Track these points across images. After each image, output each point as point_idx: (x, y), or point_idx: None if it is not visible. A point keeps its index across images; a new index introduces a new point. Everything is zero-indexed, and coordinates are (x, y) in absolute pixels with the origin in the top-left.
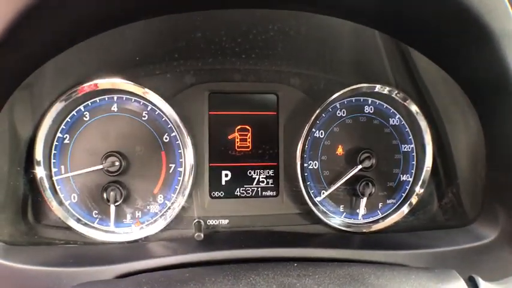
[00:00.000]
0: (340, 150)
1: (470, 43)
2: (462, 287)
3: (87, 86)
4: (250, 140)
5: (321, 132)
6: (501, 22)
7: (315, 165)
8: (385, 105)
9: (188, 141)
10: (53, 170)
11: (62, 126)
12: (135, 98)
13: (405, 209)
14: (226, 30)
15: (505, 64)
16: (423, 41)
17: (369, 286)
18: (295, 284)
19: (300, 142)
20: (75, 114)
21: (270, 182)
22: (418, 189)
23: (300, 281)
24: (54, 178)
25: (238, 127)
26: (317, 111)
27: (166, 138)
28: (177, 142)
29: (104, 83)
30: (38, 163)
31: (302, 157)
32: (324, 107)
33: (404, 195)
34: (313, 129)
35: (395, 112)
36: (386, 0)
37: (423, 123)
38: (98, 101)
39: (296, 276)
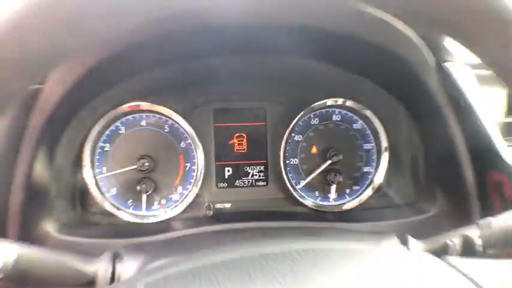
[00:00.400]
0: (314, 150)
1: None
2: (395, 242)
3: (127, 107)
4: (245, 144)
5: (299, 136)
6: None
7: (295, 161)
8: (349, 113)
9: (199, 146)
10: (97, 170)
11: (104, 137)
12: (159, 115)
13: (368, 193)
14: (228, 69)
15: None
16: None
17: (316, 235)
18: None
19: (283, 144)
20: (114, 128)
21: (261, 175)
22: (378, 178)
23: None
24: (98, 177)
25: (237, 135)
26: (295, 121)
27: (183, 145)
28: (191, 147)
29: (140, 104)
30: (85, 166)
31: (284, 155)
32: (300, 117)
33: (367, 182)
34: (293, 134)
35: (358, 118)
36: (334, 50)
37: (378, 126)
38: (131, 118)
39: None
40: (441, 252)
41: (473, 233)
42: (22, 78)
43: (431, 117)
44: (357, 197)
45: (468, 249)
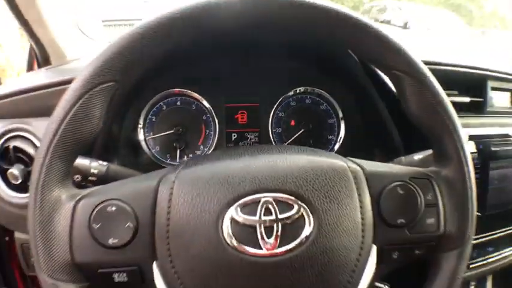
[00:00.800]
0: (293, 123)
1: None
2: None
3: (170, 92)
4: (245, 118)
5: (282, 113)
6: None
7: (280, 130)
8: (317, 98)
9: (215, 119)
10: (146, 133)
11: (152, 111)
12: (190, 98)
13: (332, 150)
14: (233, 68)
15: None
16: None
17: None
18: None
19: (270, 118)
20: (158, 106)
21: (256, 139)
22: (338, 143)
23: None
24: (147, 138)
25: (240, 111)
26: (277, 103)
27: (204, 118)
28: (210, 119)
29: (179, 90)
30: (140, 129)
31: (272, 126)
32: (281, 100)
33: (330, 146)
34: (277, 112)
35: (323, 102)
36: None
37: (336, 106)
38: (170, 99)
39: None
40: None
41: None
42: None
43: (360, 93)
44: None
45: None
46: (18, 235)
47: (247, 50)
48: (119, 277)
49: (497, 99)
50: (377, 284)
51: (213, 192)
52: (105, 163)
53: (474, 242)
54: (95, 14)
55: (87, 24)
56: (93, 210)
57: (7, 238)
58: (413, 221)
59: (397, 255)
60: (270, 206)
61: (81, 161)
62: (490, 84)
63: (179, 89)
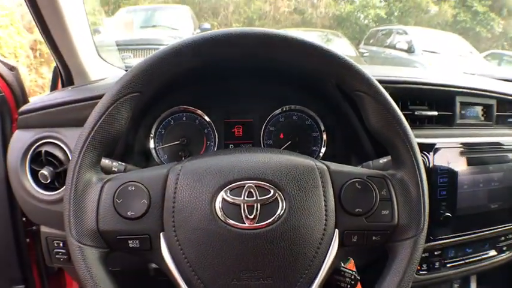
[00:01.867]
0: (281, 135)
1: None
2: (311, 161)
3: (177, 108)
4: (241, 131)
5: (272, 127)
6: None
7: (270, 142)
8: (302, 114)
9: (215, 132)
10: (156, 144)
11: (162, 124)
12: (194, 114)
13: (317, 159)
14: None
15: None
16: None
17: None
18: None
19: (261, 132)
20: (167, 120)
21: None
22: (321, 153)
23: None
24: (157, 148)
25: (236, 126)
26: (267, 119)
27: (206, 131)
28: (211, 133)
29: (185, 107)
30: (151, 139)
31: (263, 138)
32: (271, 117)
33: (314, 156)
34: (268, 126)
35: (308, 117)
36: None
37: (319, 121)
38: (177, 115)
39: None
40: None
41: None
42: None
43: (338, 111)
44: None
45: None
46: (43, 229)
47: (244, 75)
48: (132, 243)
49: (467, 112)
50: (344, 269)
51: (209, 179)
52: (123, 164)
53: (449, 241)
54: (110, 41)
55: (104, 49)
56: (118, 188)
57: (28, 240)
58: (369, 211)
59: (356, 239)
60: (252, 190)
61: (105, 161)
62: (458, 99)
63: (185, 106)
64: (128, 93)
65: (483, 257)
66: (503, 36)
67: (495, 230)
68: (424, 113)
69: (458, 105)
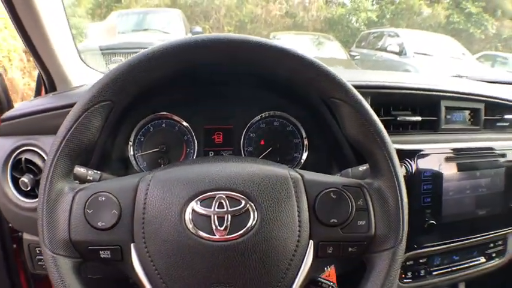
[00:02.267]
0: (262, 142)
1: None
2: (285, 170)
3: (156, 115)
4: (221, 138)
5: (253, 134)
6: None
7: (251, 149)
8: (284, 120)
9: (195, 139)
10: (136, 151)
11: (141, 132)
12: (173, 121)
13: (298, 165)
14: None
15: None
16: None
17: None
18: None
19: (242, 139)
20: (147, 128)
21: (230, 154)
22: (303, 160)
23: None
24: (136, 155)
25: (216, 132)
26: (248, 125)
27: (185, 138)
28: (190, 139)
29: (164, 114)
30: (130, 147)
31: (243, 145)
32: (251, 124)
33: (296, 163)
34: (249, 133)
35: (289, 124)
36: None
37: (300, 128)
38: (157, 122)
39: None
40: None
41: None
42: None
43: (319, 117)
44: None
45: None
46: (26, 236)
47: (224, 80)
48: (103, 254)
49: (454, 117)
50: (322, 280)
51: (179, 190)
52: (98, 172)
53: (435, 249)
54: (94, 46)
55: (88, 54)
56: (88, 198)
57: (14, 246)
58: (345, 222)
59: (331, 250)
60: (223, 201)
61: (80, 169)
62: (443, 103)
63: (164, 113)
64: (98, 102)
65: (471, 264)
66: (496, 38)
67: (483, 237)
68: (407, 118)
69: (443, 109)
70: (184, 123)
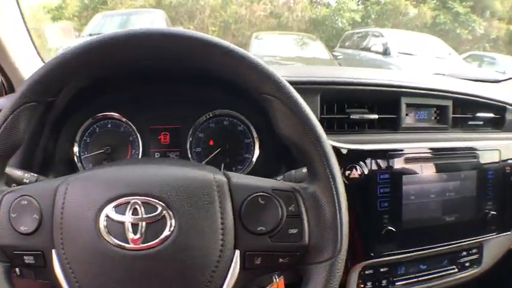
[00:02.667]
0: (211, 142)
1: None
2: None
3: (101, 115)
4: (168, 138)
5: (202, 134)
6: None
7: (199, 150)
8: (234, 119)
9: (140, 140)
10: (81, 153)
11: (86, 133)
12: (119, 121)
13: (248, 170)
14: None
15: None
16: None
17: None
18: None
19: (189, 139)
20: (92, 128)
21: (177, 157)
22: (254, 161)
23: None
24: (82, 156)
25: (163, 133)
26: (195, 124)
27: (131, 138)
28: (136, 141)
29: (110, 114)
30: (75, 148)
31: (191, 146)
32: (199, 123)
33: (247, 164)
34: (197, 133)
35: (240, 123)
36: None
37: (251, 127)
38: (102, 122)
39: None
40: None
41: (280, 178)
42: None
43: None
44: (238, 171)
45: None
46: None
47: (170, 78)
48: (28, 259)
49: (417, 115)
50: None
51: (95, 194)
52: (35, 175)
53: (397, 257)
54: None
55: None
56: (12, 202)
57: None
58: (274, 230)
59: (260, 261)
60: (138, 207)
61: (17, 172)
62: (404, 100)
63: (110, 113)
64: (22, 104)
65: (442, 274)
66: (484, 38)
67: (453, 245)
68: (360, 116)
69: (403, 107)
70: (129, 124)
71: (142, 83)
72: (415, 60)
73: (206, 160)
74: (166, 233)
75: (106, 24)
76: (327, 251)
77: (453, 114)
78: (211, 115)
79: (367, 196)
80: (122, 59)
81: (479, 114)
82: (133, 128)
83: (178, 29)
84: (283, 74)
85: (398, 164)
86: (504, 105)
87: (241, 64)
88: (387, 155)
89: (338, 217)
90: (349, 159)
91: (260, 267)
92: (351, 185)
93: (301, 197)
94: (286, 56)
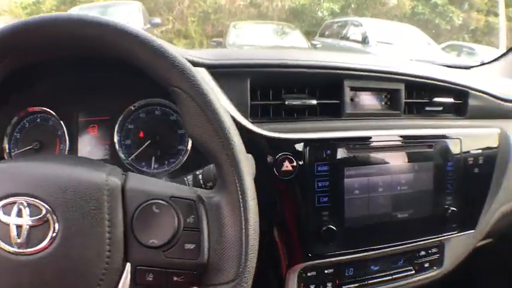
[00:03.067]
0: (141, 134)
1: None
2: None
3: (28, 110)
4: (96, 131)
5: (132, 125)
6: None
7: (129, 142)
8: (167, 109)
9: (68, 134)
10: (12, 149)
11: (16, 129)
12: (48, 115)
13: (180, 162)
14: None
15: None
16: None
17: None
18: None
19: (116, 130)
20: (22, 123)
21: (107, 151)
22: (188, 153)
23: None
24: (12, 153)
25: (91, 125)
26: (123, 114)
27: (59, 133)
28: (64, 134)
29: (42, 108)
30: (5, 146)
31: (120, 138)
32: (127, 113)
33: (181, 156)
34: (126, 124)
35: (173, 112)
36: None
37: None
38: (31, 117)
39: None
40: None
41: (199, 172)
42: None
43: None
44: (171, 165)
45: (196, 183)
46: None
47: (95, 66)
48: None
49: (364, 100)
50: None
51: None
52: None
53: (341, 258)
54: None
55: None
56: None
57: None
58: (168, 244)
59: (152, 278)
60: (23, 209)
61: None
62: (347, 84)
63: (38, 107)
64: None
65: (397, 276)
66: (463, 29)
67: (409, 245)
68: (297, 102)
69: (347, 91)
70: (57, 117)
71: (69, 74)
72: (393, 49)
73: (135, 153)
74: (49, 238)
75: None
76: (228, 272)
77: (407, 99)
78: (142, 103)
79: (304, 190)
80: (37, 46)
81: (437, 99)
82: (60, 121)
83: (92, 15)
84: (208, 57)
85: (339, 154)
86: (466, 89)
87: (148, 51)
88: (327, 144)
89: (243, 234)
90: (282, 150)
91: (152, 285)
92: (285, 178)
93: (203, 208)
94: (264, 45)
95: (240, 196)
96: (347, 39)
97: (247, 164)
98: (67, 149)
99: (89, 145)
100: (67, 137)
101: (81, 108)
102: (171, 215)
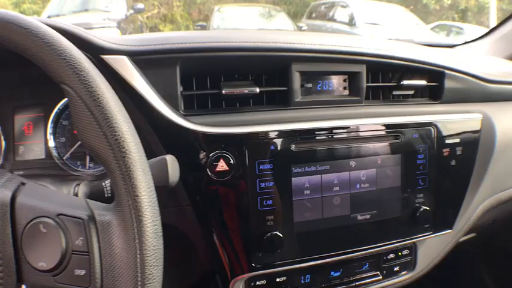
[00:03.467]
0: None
1: None
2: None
3: None
4: (31, 130)
5: (66, 122)
6: None
7: (63, 140)
8: None
9: (3, 133)
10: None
11: None
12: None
13: None
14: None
15: None
16: None
17: None
18: None
19: (53, 128)
20: None
21: (41, 150)
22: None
23: None
24: None
25: (27, 123)
26: (55, 111)
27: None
28: (1, 136)
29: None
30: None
31: (55, 136)
32: (62, 111)
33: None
34: (61, 120)
35: None
36: None
37: None
38: None
39: None
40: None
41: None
42: None
43: None
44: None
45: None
46: None
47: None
48: None
49: (317, 85)
50: None
51: None
52: None
53: (298, 266)
54: None
55: None
56: None
57: None
58: (58, 268)
59: None
60: None
61: None
62: (295, 68)
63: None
64: None
65: (361, 282)
66: (453, 9)
67: (375, 249)
68: (235, 90)
69: (296, 76)
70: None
71: (4, 70)
72: (380, 30)
73: (69, 152)
74: None
75: (66, 5)
76: None
77: (371, 83)
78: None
79: (243, 193)
80: None
81: (406, 82)
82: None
83: None
84: (131, 43)
85: (285, 150)
86: (441, 69)
87: (38, 42)
88: (269, 139)
89: (138, 261)
90: (216, 147)
91: None
92: (220, 180)
93: (94, 228)
94: (249, 28)
95: (134, 216)
96: (334, 20)
97: (146, 178)
98: (3, 149)
99: (24, 144)
100: (2, 136)
101: (16, 105)
102: (58, 236)
